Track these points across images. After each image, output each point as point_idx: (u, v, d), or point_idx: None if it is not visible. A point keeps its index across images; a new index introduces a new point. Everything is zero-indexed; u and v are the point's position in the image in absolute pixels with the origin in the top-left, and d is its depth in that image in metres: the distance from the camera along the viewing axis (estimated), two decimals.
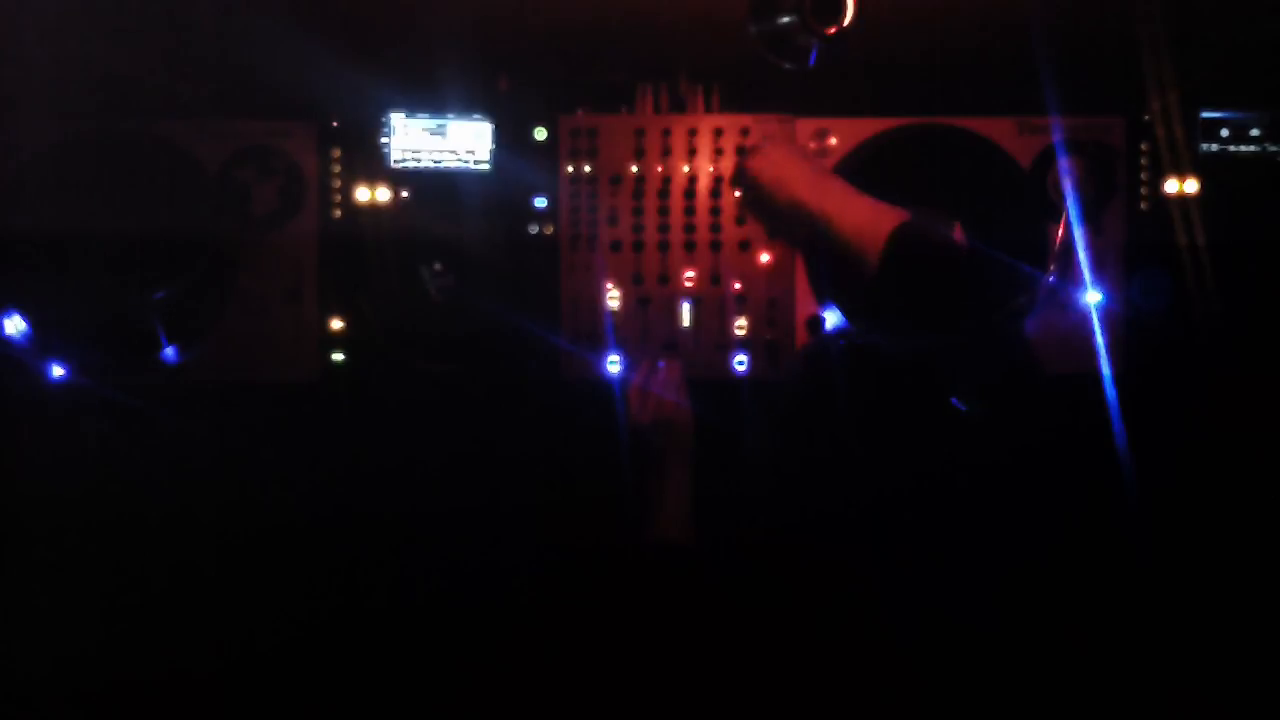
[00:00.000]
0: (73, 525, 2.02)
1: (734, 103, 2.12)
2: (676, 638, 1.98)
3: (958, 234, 1.83)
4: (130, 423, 2.01)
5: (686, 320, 2.08)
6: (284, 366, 2.03)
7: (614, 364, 2.03)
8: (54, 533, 2.01)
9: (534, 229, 2.07)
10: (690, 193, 2.08)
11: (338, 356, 2.05)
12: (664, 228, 2.07)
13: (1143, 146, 2.14)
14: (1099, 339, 2.06)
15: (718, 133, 2.07)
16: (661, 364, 2.05)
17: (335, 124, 2.03)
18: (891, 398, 2.00)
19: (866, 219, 1.82)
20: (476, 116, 2.04)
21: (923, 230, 1.80)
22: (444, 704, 1.97)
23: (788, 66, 1.93)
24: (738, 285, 2.08)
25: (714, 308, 2.08)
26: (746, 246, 2.08)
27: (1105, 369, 2.05)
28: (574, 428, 2.00)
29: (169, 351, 2.00)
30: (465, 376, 2.07)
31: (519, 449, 2.05)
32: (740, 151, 2.05)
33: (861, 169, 2.05)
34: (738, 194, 2.06)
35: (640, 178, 2.07)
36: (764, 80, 2.05)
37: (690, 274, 2.08)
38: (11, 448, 2.00)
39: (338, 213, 2.04)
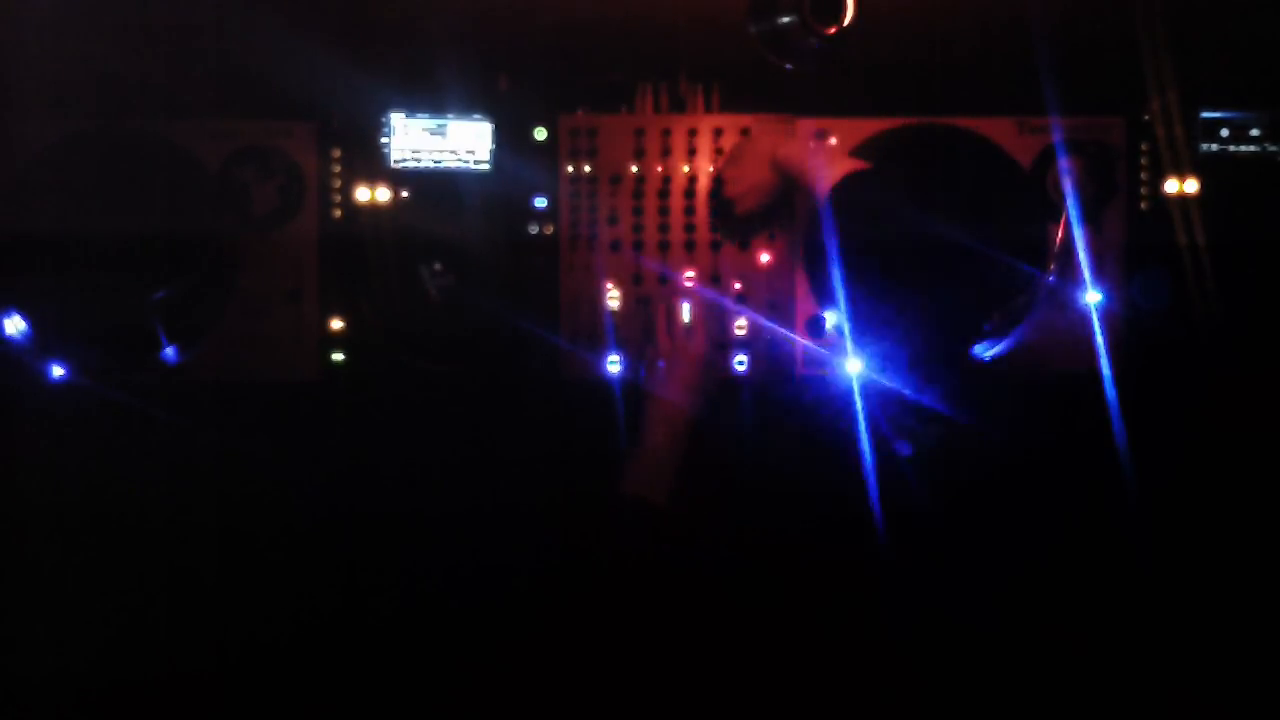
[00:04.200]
0: (73, 525, 2.02)
1: (734, 103, 2.12)
2: (677, 638, 1.97)
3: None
4: (130, 423, 2.01)
5: (686, 320, 2.08)
6: (284, 366, 2.03)
7: (614, 364, 2.03)
8: (54, 533, 2.01)
9: (534, 229, 2.07)
10: (690, 193, 2.08)
11: (338, 356, 2.04)
12: (664, 228, 2.07)
13: (1143, 146, 2.13)
14: (1099, 339, 2.06)
15: (718, 133, 2.07)
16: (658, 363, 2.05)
17: (335, 124, 2.03)
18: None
19: (820, 171, 1.86)
20: (476, 116, 2.03)
21: (868, 181, 1.82)
22: (444, 704, 1.97)
23: (788, 66, 1.93)
24: (738, 285, 2.09)
25: (714, 308, 2.08)
26: (746, 246, 2.08)
27: (1105, 369, 2.05)
28: (574, 428, 2.00)
29: (169, 351, 2.00)
30: (465, 376, 2.07)
31: (519, 449, 2.05)
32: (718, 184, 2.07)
33: None
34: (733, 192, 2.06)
35: (640, 178, 2.07)
36: (764, 80, 2.05)
37: (690, 274, 2.08)
38: (11, 448, 2.00)
39: (338, 213, 2.04)
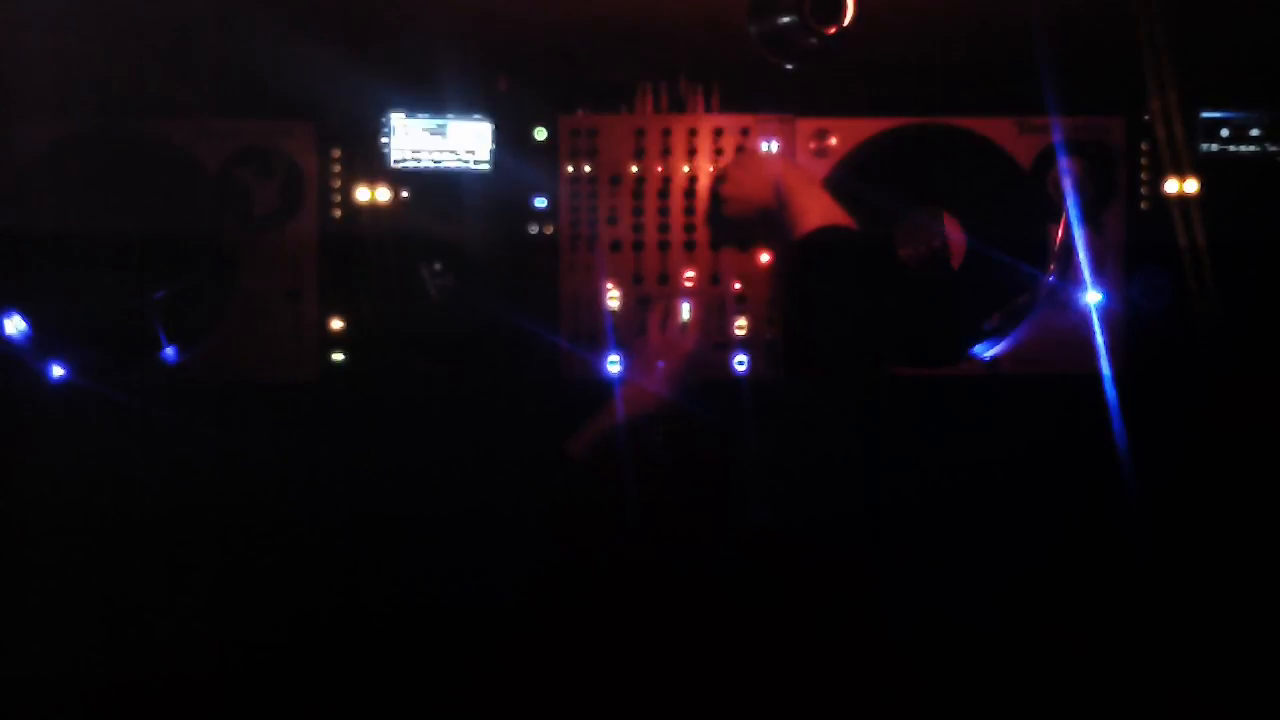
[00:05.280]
0: (73, 525, 2.02)
1: (734, 103, 2.12)
2: (677, 638, 1.97)
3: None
4: (130, 423, 2.01)
5: (684, 319, 2.08)
6: (284, 366, 2.03)
7: (614, 364, 2.03)
8: (54, 533, 2.01)
9: (534, 229, 2.07)
10: (690, 193, 2.07)
11: (338, 356, 2.04)
12: (664, 228, 2.07)
13: (1143, 146, 2.13)
14: (1099, 339, 2.06)
15: (718, 133, 2.07)
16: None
17: (335, 124, 2.03)
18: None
19: (799, 213, 1.91)
20: (476, 116, 2.03)
21: (837, 238, 1.86)
22: (443, 704, 1.97)
23: (788, 66, 1.93)
24: (738, 285, 2.08)
25: (714, 308, 2.08)
26: (747, 248, 2.08)
27: (1105, 369, 2.05)
28: (574, 428, 2.00)
29: (169, 351, 2.00)
30: (465, 376, 2.07)
31: (519, 449, 2.05)
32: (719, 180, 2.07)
33: (861, 169, 2.05)
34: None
35: (640, 178, 2.07)
36: (764, 80, 2.05)
37: (690, 274, 2.08)
38: (11, 448, 2.00)
39: (338, 213, 2.04)
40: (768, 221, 2.02)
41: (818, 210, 1.91)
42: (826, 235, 1.87)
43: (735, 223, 2.05)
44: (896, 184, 2.00)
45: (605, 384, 2.02)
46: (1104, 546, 2.13)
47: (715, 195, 2.06)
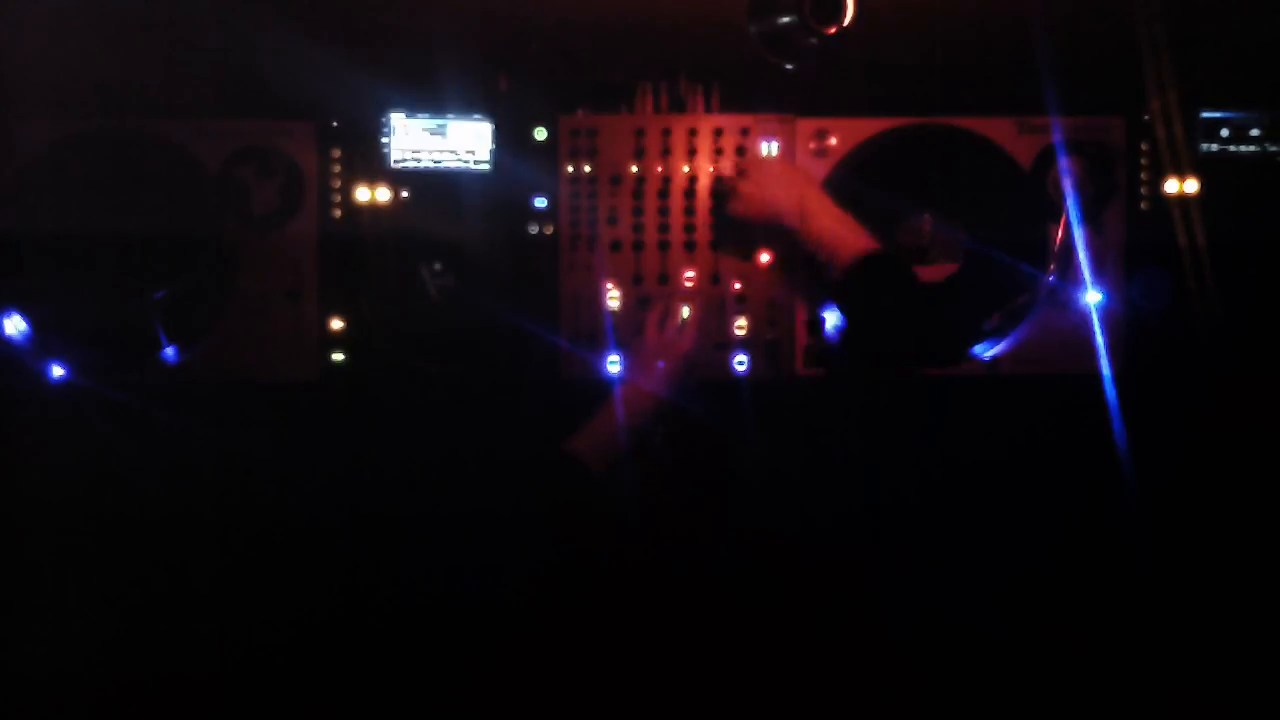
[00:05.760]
0: (73, 525, 2.02)
1: (734, 103, 2.12)
2: (677, 638, 1.98)
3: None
4: (130, 423, 2.01)
5: (684, 317, 2.07)
6: (284, 366, 2.03)
7: (614, 364, 2.03)
8: (54, 533, 2.01)
9: (534, 229, 2.07)
10: (690, 193, 2.07)
11: (338, 356, 2.04)
12: (664, 228, 2.07)
13: (1143, 146, 2.13)
14: (1099, 339, 2.06)
15: (718, 133, 2.07)
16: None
17: (335, 124, 2.03)
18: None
19: (836, 240, 1.92)
20: (476, 116, 2.03)
21: (882, 262, 1.88)
22: (444, 704, 1.97)
23: (788, 66, 1.93)
24: (738, 285, 2.08)
25: (714, 308, 2.08)
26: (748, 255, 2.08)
27: (1105, 369, 2.05)
28: (574, 428, 2.00)
29: (169, 351, 2.00)
30: (465, 376, 2.07)
31: (519, 449, 2.05)
32: (720, 182, 2.07)
33: (861, 169, 2.05)
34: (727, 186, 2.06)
35: (640, 178, 2.07)
36: (764, 80, 2.05)
37: (690, 274, 2.08)
38: (11, 448, 2.00)
39: (338, 213, 2.04)
40: (774, 232, 2.02)
41: (854, 233, 1.91)
42: (877, 259, 1.88)
43: (739, 222, 2.05)
44: (896, 184, 2.00)
45: (605, 384, 2.02)
46: (1104, 546, 2.13)
47: (724, 193, 2.04)
